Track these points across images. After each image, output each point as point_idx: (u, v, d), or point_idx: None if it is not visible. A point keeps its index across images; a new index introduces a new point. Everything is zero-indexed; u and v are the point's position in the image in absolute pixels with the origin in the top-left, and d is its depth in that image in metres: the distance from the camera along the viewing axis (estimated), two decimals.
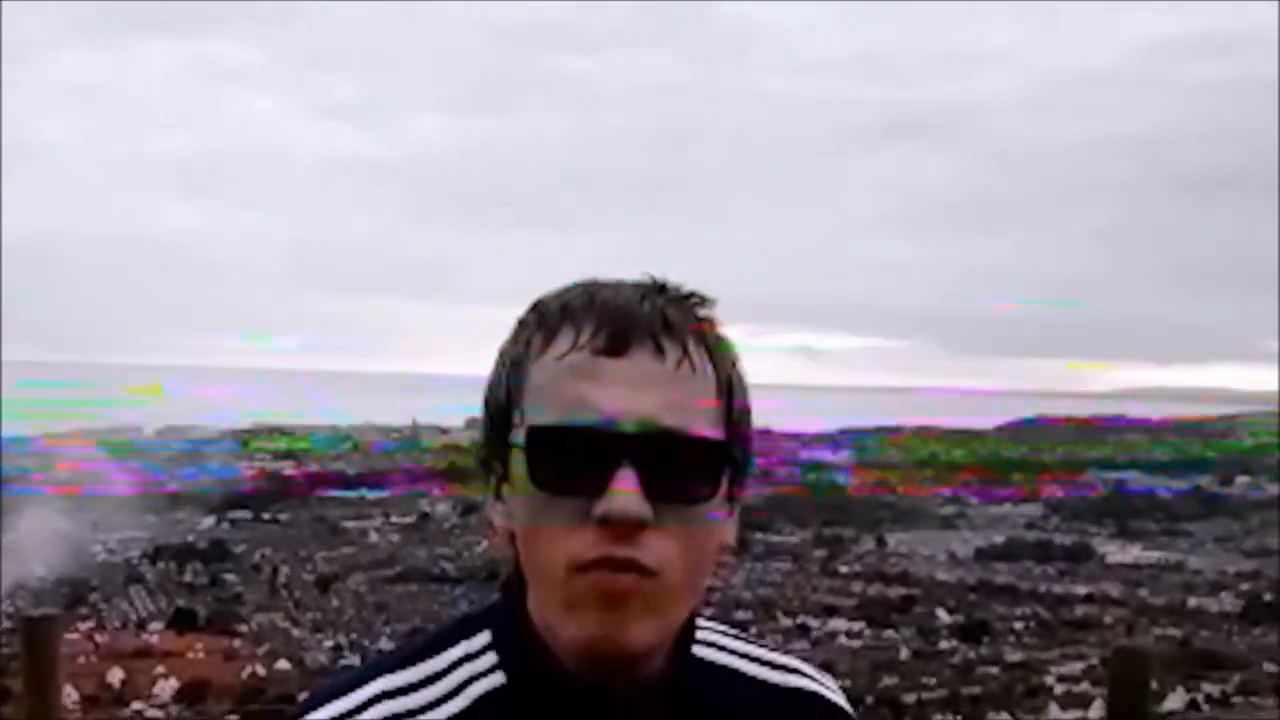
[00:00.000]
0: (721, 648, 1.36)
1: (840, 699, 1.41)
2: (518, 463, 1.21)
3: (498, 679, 1.26)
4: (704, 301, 1.26)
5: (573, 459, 1.17)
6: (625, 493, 1.14)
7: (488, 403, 1.26)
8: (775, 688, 1.37)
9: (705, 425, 1.19)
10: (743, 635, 1.41)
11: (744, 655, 1.38)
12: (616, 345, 1.19)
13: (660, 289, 1.25)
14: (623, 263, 1.28)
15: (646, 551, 1.16)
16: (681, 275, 1.28)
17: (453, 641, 1.29)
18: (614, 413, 1.17)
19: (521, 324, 1.26)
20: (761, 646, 1.40)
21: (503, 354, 1.26)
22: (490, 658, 1.27)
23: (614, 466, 1.15)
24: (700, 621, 1.33)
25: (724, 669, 1.35)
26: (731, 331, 1.28)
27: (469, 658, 1.27)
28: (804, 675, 1.40)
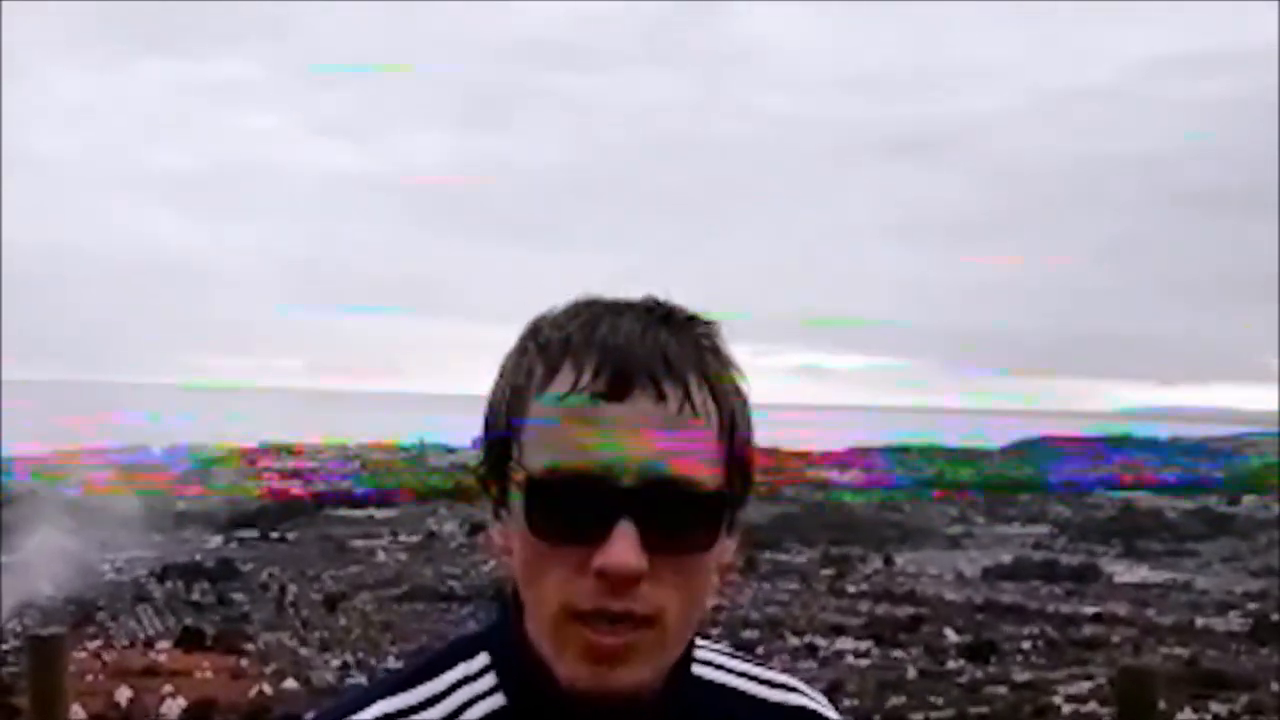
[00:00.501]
0: (719, 666, 1.37)
1: (836, 716, 1.42)
2: (515, 497, 1.21)
3: (498, 700, 1.27)
4: (708, 326, 1.25)
5: (571, 511, 1.17)
6: (624, 547, 1.14)
7: (488, 426, 1.25)
8: (772, 705, 1.38)
9: (706, 469, 1.19)
10: (739, 654, 1.42)
11: (741, 674, 1.39)
12: (617, 390, 1.18)
13: (664, 317, 1.23)
14: (625, 281, 1.27)
15: (643, 602, 1.16)
16: (685, 294, 1.26)
17: (451, 663, 1.30)
18: (614, 463, 1.16)
19: (522, 348, 1.24)
20: (758, 665, 1.42)
21: (503, 374, 1.25)
22: (490, 679, 1.28)
23: (613, 519, 1.15)
24: (698, 641, 1.33)
25: (722, 687, 1.36)
26: (736, 351, 1.26)
27: (469, 679, 1.28)
28: (800, 693, 1.41)
